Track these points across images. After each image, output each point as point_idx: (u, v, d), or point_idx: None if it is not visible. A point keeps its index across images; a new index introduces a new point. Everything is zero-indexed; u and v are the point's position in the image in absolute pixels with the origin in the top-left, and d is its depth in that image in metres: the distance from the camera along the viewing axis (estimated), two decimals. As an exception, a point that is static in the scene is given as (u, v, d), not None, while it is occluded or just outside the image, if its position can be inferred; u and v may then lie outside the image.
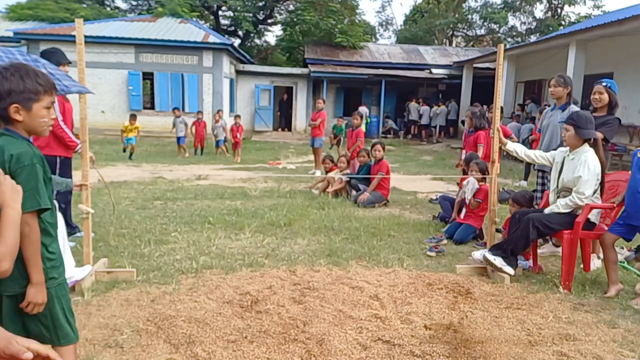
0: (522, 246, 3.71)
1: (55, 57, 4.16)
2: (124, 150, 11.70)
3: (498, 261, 3.65)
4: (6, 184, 1.39)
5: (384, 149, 6.79)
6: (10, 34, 16.55)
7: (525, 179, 8.90)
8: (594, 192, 3.61)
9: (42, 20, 19.94)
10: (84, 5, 22.78)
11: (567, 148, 3.75)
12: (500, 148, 4.03)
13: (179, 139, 12.62)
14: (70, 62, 4.36)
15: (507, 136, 4.30)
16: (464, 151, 6.10)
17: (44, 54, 4.14)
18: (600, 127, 4.10)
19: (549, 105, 11.00)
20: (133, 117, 11.95)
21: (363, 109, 17.07)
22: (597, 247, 4.13)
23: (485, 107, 7.87)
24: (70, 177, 4.31)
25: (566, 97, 4.51)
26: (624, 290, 3.53)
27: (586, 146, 3.65)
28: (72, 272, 3.19)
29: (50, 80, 1.70)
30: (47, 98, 1.69)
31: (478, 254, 3.93)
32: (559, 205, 3.67)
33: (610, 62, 12.31)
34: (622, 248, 4.49)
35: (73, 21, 3.64)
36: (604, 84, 4.18)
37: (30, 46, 16.13)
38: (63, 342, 1.78)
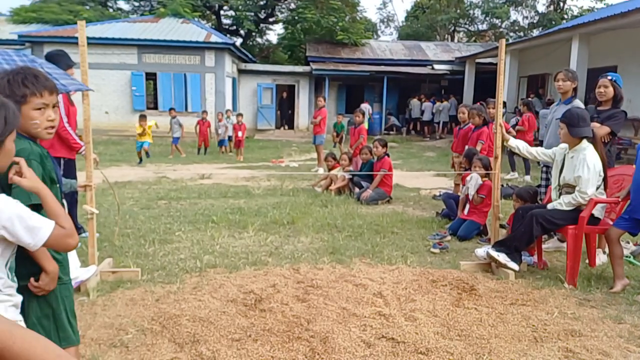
0: (526, 242, 3.69)
1: (64, 61, 4.18)
2: (140, 159, 10.77)
3: (502, 257, 3.64)
4: (31, 170, 1.49)
5: (383, 146, 6.75)
6: (15, 37, 16.64)
7: (527, 173, 8.86)
8: (597, 188, 3.59)
9: (46, 22, 20.02)
10: (87, 7, 22.85)
11: (567, 145, 3.73)
12: (502, 144, 4.01)
13: (174, 139, 12.47)
14: (75, 64, 4.38)
15: (506, 131, 4.29)
16: (467, 146, 6.04)
17: (50, 57, 4.15)
18: (606, 120, 4.07)
19: (553, 100, 10.94)
20: (143, 118, 11.00)
21: (365, 106, 17.04)
22: (602, 241, 4.10)
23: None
24: (75, 178, 4.34)
25: (572, 91, 4.48)
26: (630, 285, 3.50)
27: (584, 143, 3.61)
28: (77, 272, 3.20)
29: (44, 82, 1.69)
30: (35, 100, 1.68)
31: (481, 251, 3.91)
32: (562, 203, 3.65)
33: (614, 55, 12.21)
34: (628, 242, 4.46)
35: (76, 23, 3.65)
36: (609, 77, 4.15)
37: (35, 48, 16.21)
38: (64, 344, 1.78)
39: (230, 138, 13.25)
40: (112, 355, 2.47)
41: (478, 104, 6.97)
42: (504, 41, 3.91)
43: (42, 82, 1.67)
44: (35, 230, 1.35)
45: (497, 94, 3.91)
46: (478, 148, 5.75)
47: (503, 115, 7.29)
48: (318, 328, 2.74)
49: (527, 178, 8.70)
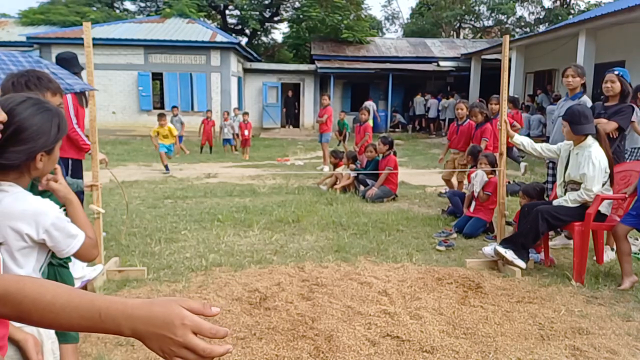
0: (533, 239, 3.67)
1: (77, 64, 4.22)
2: (166, 166, 9.24)
3: (509, 254, 3.62)
4: (63, 179, 1.51)
5: (385, 144, 6.72)
6: (23, 39, 16.79)
7: (518, 162, 8.67)
8: (604, 184, 3.56)
9: (54, 24, 20.18)
10: (94, 9, 23.00)
11: (572, 142, 3.70)
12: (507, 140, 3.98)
13: (178, 137, 12.40)
14: (83, 69, 4.41)
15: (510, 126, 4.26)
16: (471, 144, 6.00)
17: (62, 60, 4.18)
18: (613, 116, 4.03)
19: (560, 96, 10.83)
20: (162, 117, 9.83)
21: (369, 104, 16.97)
22: (610, 238, 4.06)
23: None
24: (82, 178, 4.37)
25: (580, 87, 4.44)
26: (639, 282, 3.47)
27: (589, 139, 3.58)
28: (84, 271, 3.22)
29: (47, 83, 1.71)
30: None
31: (489, 249, 3.89)
32: (568, 200, 3.62)
33: (621, 50, 12.07)
34: (637, 239, 4.41)
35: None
36: (615, 72, 4.11)
37: (43, 50, 16.32)
38: (61, 340, 1.79)
39: (237, 136, 13.26)
40: (118, 354, 2.48)
41: (477, 100, 6.92)
42: (507, 37, 3.88)
43: (44, 83, 1.70)
44: (71, 238, 1.37)
45: (502, 90, 3.89)
46: (482, 145, 5.72)
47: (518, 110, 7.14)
48: (323, 326, 2.74)
49: (523, 165, 8.49)
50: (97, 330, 0.73)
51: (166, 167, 9.19)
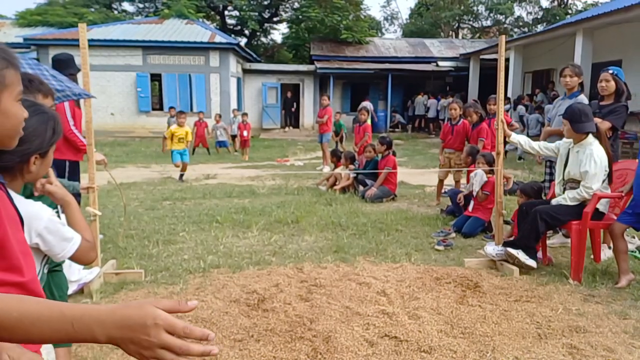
0: (534, 239, 3.67)
1: (71, 66, 4.23)
2: (181, 175, 8.32)
3: (521, 255, 3.62)
4: (57, 182, 1.50)
5: (384, 144, 6.72)
6: (20, 40, 16.77)
7: None
8: (602, 183, 3.57)
9: (51, 25, 20.16)
10: (92, 10, 22.98)
11: (571, 140, 3.71)
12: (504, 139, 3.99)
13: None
14: (79, 70, 4.42)
15: (508, 124, 4.27)
16: (469, 144, 5.99)
17: (57, 62, 4.18)
18: (607, 115, 4.04)
19: (558, 94, 10.83)
20: (181, 114, 8.76)
21: (367, 104, 16.95)
22: (607, 237, 4.07)
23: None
24: (79, 180, 4.37)
25: (578, 86, 4.45)
26: (636, 280, 3.48)
27: (590, 137, 3.59)
28: (80, 274, 3.23)
29: (38, 85, 1.73)
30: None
31: (491, 249, 3.89)
32: (567, 198, 3.63)
33: (618, 50, 12.09)
34: (634, 237, 4.42)
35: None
36: (610, 71, 4.12)
37: (40, 51, 16.31)
38: (54, 345, 1.78)
39: (233, 138, 13.23)
40: (115, 357, 2.48)
41: (472, 100, 6.91)
42: (503, 38, 3.90)
43: (35, 85, 1.70)
44: (66, 241, 1.35)
45: (498, 90, 3.90)
46: (480, 145, 5.73)
47: (507, 112, 7.07)
48: (321, 327, 2.74)
49: None
50: (72, 340, 0.72)
51: (181, 175, 8.26)
